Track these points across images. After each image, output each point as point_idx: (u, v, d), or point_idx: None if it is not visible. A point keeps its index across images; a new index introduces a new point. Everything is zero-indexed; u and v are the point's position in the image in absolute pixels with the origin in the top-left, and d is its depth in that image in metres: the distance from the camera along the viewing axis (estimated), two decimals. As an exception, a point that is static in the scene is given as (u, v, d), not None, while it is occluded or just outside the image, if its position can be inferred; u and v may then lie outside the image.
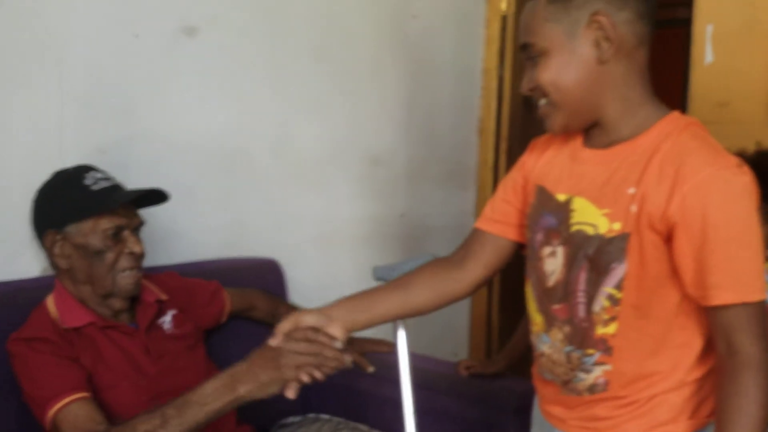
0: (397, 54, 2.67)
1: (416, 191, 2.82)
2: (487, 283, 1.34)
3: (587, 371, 1.12)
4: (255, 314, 1.91)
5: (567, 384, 1.15)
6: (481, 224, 1.29)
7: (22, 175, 1.61)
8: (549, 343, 1.16)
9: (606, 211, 1.06)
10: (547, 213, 1.14)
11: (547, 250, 1.14)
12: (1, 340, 1.43)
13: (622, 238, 1.04)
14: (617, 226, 1.05)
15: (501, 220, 1.27)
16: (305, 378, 1.21)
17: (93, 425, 1.33)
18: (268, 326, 1.93)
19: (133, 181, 1.63)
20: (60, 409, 1.33)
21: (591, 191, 1.09)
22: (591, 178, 1.10)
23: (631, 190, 1.04)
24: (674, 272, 1.04)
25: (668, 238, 1.03)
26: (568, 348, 1.13)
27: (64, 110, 1.71)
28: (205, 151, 2.05)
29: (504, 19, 3.00)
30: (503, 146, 3.01)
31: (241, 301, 1.86)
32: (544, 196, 1.16)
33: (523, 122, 3.08)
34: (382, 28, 2.59)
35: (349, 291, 2.50)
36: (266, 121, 2.21)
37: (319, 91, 2.37)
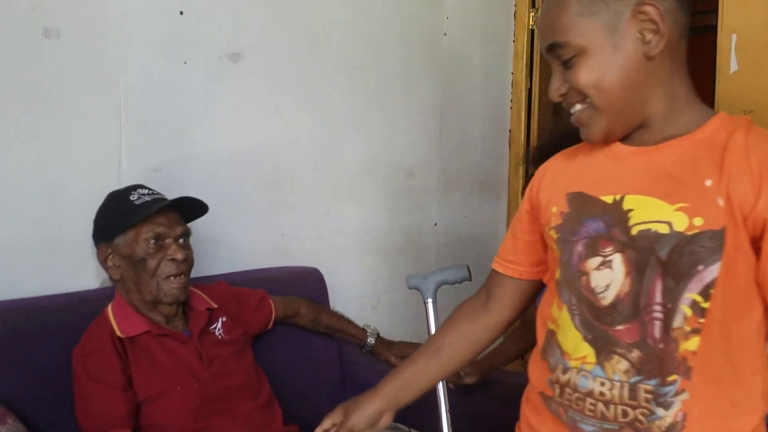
0: (430, 71, 2.74)
1: (449, 201, 2.89)
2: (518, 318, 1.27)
3: (666, 406, 0.92)
4: (299, 321, 1.99)
5: (633, 429, 0.94)
6: (497, 265, 1.19)
7: (84, 195, 1.73)
8: (603, 378, 0.95)
9: (681, 205, 0.90)
10: (590, 219, 0.98)
11: (594, 261, 0.96)
12: (69, 346, 1.54)
13: (713, 235, 0.88)
14: (699, 222, 0.89)
15: (513, 260, 1.16)
16: None
17: None
18: (310, 332, 2.03)
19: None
20: None
21: (652, 187, 0.94)
22: (646, 174, 0.96)
23: (709, 182, 0.90)
24: (760, 282, 0.90)
25: (756, 239, 0.89)
26: (636, 379, 0.93)
27: (122, 133, 1.83)
28: (250, 168, 2.14)
29: (532, 32, 3.05)
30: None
31: (285, 308, 1.94)
32: (582, 202, 1.00)
33: (549, 132, 3.13)
34: (415, 46, 2.67)
35: (385, 297, 2.61)
36: (306, 138, 2.30)
37: (355, 108, 2.46)
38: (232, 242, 2.10)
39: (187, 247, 1.62)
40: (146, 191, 1.61)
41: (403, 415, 2.00)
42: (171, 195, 1.67)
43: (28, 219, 1.68)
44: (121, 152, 1.83)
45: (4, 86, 1.63)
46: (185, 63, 1.96)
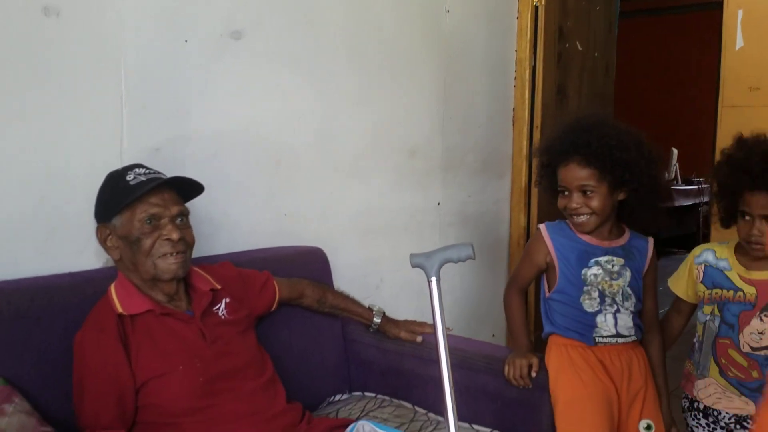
0: (432, 48, 2.73)
1: (452, 180, 2.89)
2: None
3: None
4: (304, 302, 1.99)
5: None
6: None
7: (86, 176, 1.73)
8: None
9: None
10: None
11: None
12: (73, 325, 1.54)
13: None
14: None
15: None
16: None
17: None
18: (315, 312, 2.04)
19: (187, 176, 1.69)
20: None
21: None
22: None
23: None
24: None
25: None
26: None
27: (123, 113, 1.82)
28: (252, 147, 2.14)
29: (536, 9, 3.03)
30: (537, 135, 3.05)
31: (290, 290, 1.94)
32: None
33: (555, 111, 3.12)
34: (417, 23, 2.65)
35: (388, 276, 2.61)
36: (308, 117, 2.29)
37: (357, 86, 2.45)
38: (235, 222, 2.10)
39: (184, 227, 1.61)
40: (143, 170, 1.59)
41: (408, 394, 2.03)
42: (173, 174, 1.65)
43: (30, 199, 1.68)
44: (122, 132, 1.82)
45: (4, 65, 1.62)
46: (186, 41, 1.94)
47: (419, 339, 2.01)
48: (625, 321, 1.78)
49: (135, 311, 1.55)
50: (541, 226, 1.86)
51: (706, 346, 1.82)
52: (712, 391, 1.81)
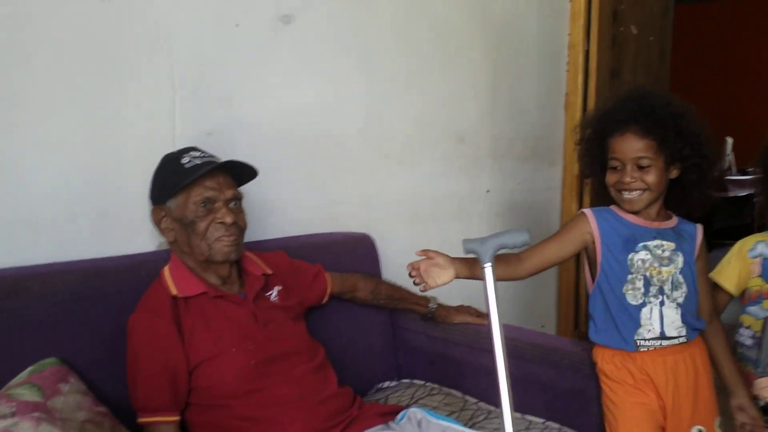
0: (482, 32, 2.68)
1: (502, 167, 2.83)
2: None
3: None
4: (358, 294, 1.99)
5: None
6: None
7: (138, 160, 1.75)
8: None
9: None
10: None
11: None
12: (127, 307, 1.56)
13: None
14: None
15: None
16: None
17: None
18: (370, 305, 2.02)
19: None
20: (148, 423, 1.47)
21: None
22: None
23: None
24: None
25: None
26: None
27: (175, 97, 1.83)
28: (301, 132, 2.13)
29: (590, -9, 2.96)
30: (590, 121, 2.98)
31: (342, 283, 1.93)
32: None
33: (609, 96, 3.04)
34: (467, 6, 2.60)
35: (438, 264, 2.56)
36: (357, 102, 2.28)
37: (405, 71, 2.42)
38: (284, 207, 2.10)
39: (237, 211, 1.62)
40: (198, 153, 1.60)
41: (457, 382, 2.01)
42: (223, 158, 1.66)
43: (85, 182, 1.70)
44: (175, 116, 1.83)
45: (62, 50, 1.64)
46: (237, 25, 1.95)
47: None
48: (672, 318, 1.60)
49: (189, 293, 1.56)
50: (586, 210, 1.70)
51: (766, 343, 1.74)
52: None
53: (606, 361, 1.66)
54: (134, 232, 1.78)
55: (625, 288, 1.61)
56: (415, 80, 2.46)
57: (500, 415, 1.34)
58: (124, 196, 1.75)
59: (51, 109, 1.64)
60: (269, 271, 1.72)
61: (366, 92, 2.31)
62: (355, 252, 2.12)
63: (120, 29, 1.73)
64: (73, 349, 1.51)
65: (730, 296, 1.84)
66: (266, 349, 1.58)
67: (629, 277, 1.60)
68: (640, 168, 1.58)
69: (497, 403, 1.34)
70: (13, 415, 1.23)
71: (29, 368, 1.40)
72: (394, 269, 2.32)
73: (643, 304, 1.60)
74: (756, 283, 1.77)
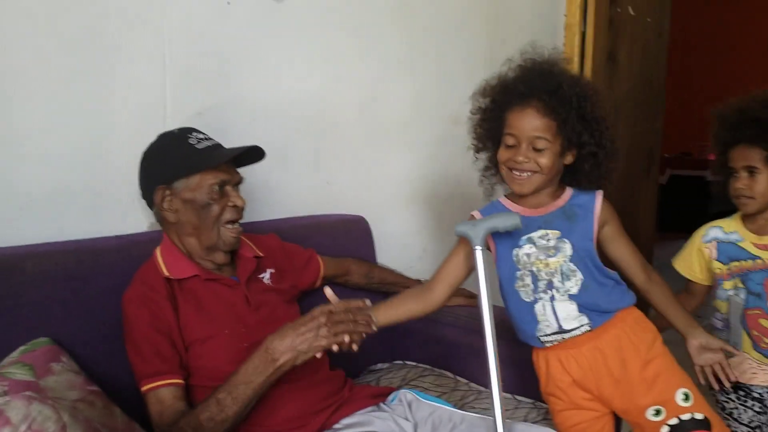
0: (479, 12, 2.66)
1: (497, 149, 2.83)
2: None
3: None
4: (352, 278, 1.99)
5: None
6: None
7: (130, 138, 1.73)
8: None
9: None
10: None
11: None
12: (119, 287, 1.56)
13: None
14: None
15: None
16: (340, 344, 1.40)
17: (174, 415, 1.43)
18: (363, 290, 2.01)
19: (229, 142, 1.70)
20: (152, 389, 1.44)
21: None
22: None
23: None
24: None
25: None
26: None
27: (166, 77, 1.81)
28: (295, 113, 2.11)
29: (587, -28, 2.93)
30: (586, 103, 2.97)
31: (336, 267, 1.93)
32: None
33: (605, 78, 3.02)
34: (463, -13, 2.58)
35: (431, 246, 2.58)
36: (352, 83, 2.26)
37: (401, 52, 2.40)
38: (277, 189, 2.09)
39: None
40: (202, 135, 1.59)
41: (449, 363, 2.01)
42: (216, 139, 1.64)
43: (75, 163, 1.69)
44: (166, 95, 1.82)
45: (48, 31, 1.62)
46: (228, 3, 1.92)
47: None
48: (567, 310, 1.50)
49: (181, 276, 1.56)
50: (474, 212, 1.62)
51: (734, 322, 1.78)
52: (746, 366, 1.78)
53: (534, 363, 1.63)
54: (126, 212, 1.77)
55: (516, 285, 1.54)
56: (411, 62, 2.44)
57: (490, 396, 1.35)
58: (115, 175, 1.74)
59: (42, 88, 1.63)
60: (261, 254, 1.71)
61: (360, 73, 2.29)
62: (350, 234, 2.12)
63: (111, 7, 1.71)
64: (65, 329, 1.51)
65: (701, 285, 1.87)
66: (258, 333, 1.56)
67: (518, 273, 1.53)
68: (535, 150, 1.47)
69: (487, 384, 1.35)
70: (5, 393, 1.24)
71: (21, 347, 1.40)
72: (389, 251, 2.33)
73: (535, 301, 1.53)
74: (716, 267, 1.81)
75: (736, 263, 1.76)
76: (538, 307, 1.53)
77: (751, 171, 1.70)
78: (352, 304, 1.44)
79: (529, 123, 1.47)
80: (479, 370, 1.86)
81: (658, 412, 1.52)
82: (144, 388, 1.45)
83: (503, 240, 1.54)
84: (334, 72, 2.21)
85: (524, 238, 1.52)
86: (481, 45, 2.69)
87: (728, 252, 1.78)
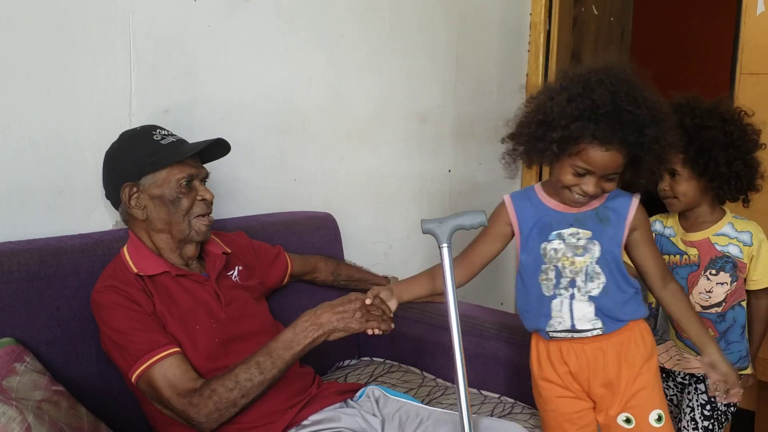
0: (445, 11, 2.67)
1: (463, 148, 2.85)
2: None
3: None
4: (319, 276, 2.00)
5: None
6: None
7: (94, 136, 1.72)
8: None
9: None
10: None
11: None
12: (84, 286, 1.55)
13: None
14: None
15: None
16: (369, 330, 1.52)
17: (189, 382, 1.41)
18: (330, 287, 2.03)
19: (196, 139, 1.70)
20: (154, 364, 1.41)
21: None
22: None
23: None
24: None
25: None
26: None
27: (132, 74, 1.80)
28: (262, 110, 2.11)
29: (552, -28, 2.97)
30: (550, 102, 3.01)
31: (303, 264, 1.94)
32: None
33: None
34: (430, -15, 2.60)
35: (397, 243, 2.60)
36: (318, 80, 2.26)
37: (369, 50, 2.41)
38: (244, 186, 2.09)
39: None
40: (165, 131, 1.60)
41: (416, 360, 2.04)
42: (182, 136, 1.64)
43: (39, 160, 1.67)
44: (131, 93, 1.80)
45: (15, 23, 1.59)
46: (195, 0, 1.91)
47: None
48: (584, 311, 1.51)
49: (152, 272, 1.55)
50: (506, 196, 1.62)
51: (662, 312, 1.90)
52: (673, 353, 1.89)
53: (533, 348, 1.64)
54: (90, 210, 1.75)
55: (540, 277, 1.54)
56: (377, 59, 2.45)
57: (457, 391, 1.37)
58: (79, 174, 1.72)
59: (3, 85, 1.60)
60: (228, 250, 1.72)
61: (328, 70, 2.29)
62: (318, 231, 2.12)
63: (77, 2, 1.68)
64: (28, 329, 1.49)
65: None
66: (230, 329, 1.58)
67: (543, 266, 1.53)
68: (606, 179, 1.45)
69: (454, 380, 1.37)
70: (-34, 395, 1.22)
71: (-17, 348, 1.38)
72: (356, 248, 2.34)
73: (554, 296, 1.53)
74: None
75: (666, 257, 1.83)
76: (555, 302, 1.53)
77: (672, 173, 1.75)
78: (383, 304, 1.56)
79: (612, 162, 1.42)
80: (446, 366, 1.88)
81: (628, 420, 1.55)
82: (142, 368, 1.42)
83: (532, 233, 1.55)
84: (300, 70, 2.20)
85: (554, 233, 1.52)
86: (449, 44, 2.71)
87: (663, 245, 1.85)
